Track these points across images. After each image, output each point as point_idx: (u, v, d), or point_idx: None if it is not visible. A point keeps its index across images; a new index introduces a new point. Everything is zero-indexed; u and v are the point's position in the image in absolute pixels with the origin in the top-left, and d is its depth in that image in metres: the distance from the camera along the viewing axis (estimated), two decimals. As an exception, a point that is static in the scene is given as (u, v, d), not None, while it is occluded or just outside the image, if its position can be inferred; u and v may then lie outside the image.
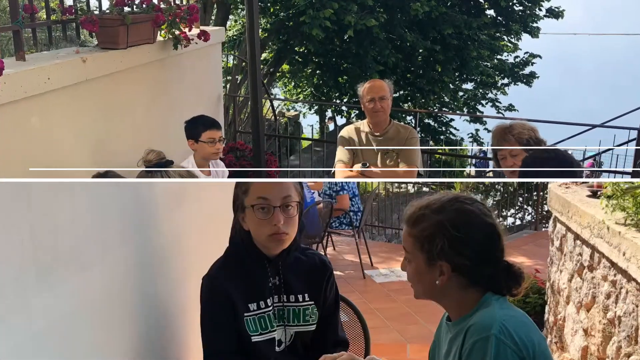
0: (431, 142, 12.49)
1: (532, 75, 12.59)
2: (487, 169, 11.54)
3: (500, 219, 8.63)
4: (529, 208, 9.21)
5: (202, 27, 4.10)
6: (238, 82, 9.36)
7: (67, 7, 3.00)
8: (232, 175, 3.64)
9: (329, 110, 14.36)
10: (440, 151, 10.56)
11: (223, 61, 6.42)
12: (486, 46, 10.88)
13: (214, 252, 1.95)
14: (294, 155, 8.55)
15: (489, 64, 11.82)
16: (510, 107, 12.70)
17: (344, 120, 13.29)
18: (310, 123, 12.85)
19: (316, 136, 11.17)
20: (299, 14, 9.02)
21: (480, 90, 12.75)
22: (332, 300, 1.98)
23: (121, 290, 1.73)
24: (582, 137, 5.98)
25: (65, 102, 2.78)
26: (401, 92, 11.95)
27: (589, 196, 2.95)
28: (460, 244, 1.37)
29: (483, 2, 11.04)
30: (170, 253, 2.13)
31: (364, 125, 3.63)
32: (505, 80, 12.75)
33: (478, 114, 12.70)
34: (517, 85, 12.70)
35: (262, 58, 10.22)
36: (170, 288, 2.12)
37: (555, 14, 11.42)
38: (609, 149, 6.24)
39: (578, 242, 2.87)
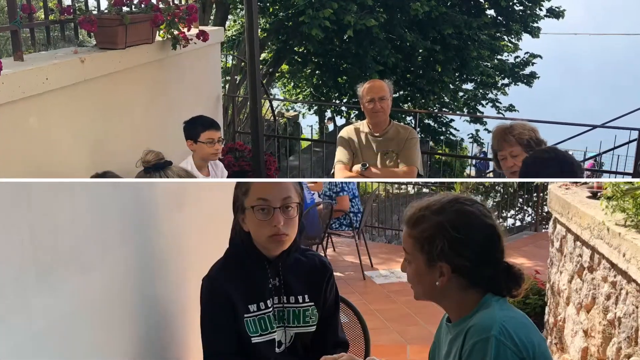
0: (431, 143, 12.49)
1: (533, 75, 12.60)
2: (488, 170, 11.56)
3: (500, 220, 8.63)
4: (529, 209, 9.21)
5: (201, 27, 4.10)
6: (237, 82, 9.35)
7: (66, 7, 2.99)
8: (231, 176, 3.64)
9: (329, 111, 14.36)
10: (440, 151, 10.55)
11: (222, 61, 6.42)
12: (486, 46, 10.88)
13: (214, 253, 1.95)
14: (293, 156, 8.55)
15: (489, 64, 11.83)
16: (511, 108, 12.70)
17: (343, 121, 13.29)
18: (309, 123, 12.85)
19: (315, 137, 11.16)
20: (298, 13, 9.02)
21: (481, 91, 12.75)
22: (332, 301, 1.97)
23: (121, 290, 1.73)
24: (582, 138, 5.97)
25: (63, 103, 2.77)
26: (401, 92, 11.95)
27: (589, 197, 2.95)
28: (460, 245, 1.37)
29: (483, 2, 11.04)
30: (170, 254, 2.13)
31: (363, 125, 3.63)
32: (506, 81, 12.76)
33: (478, 114, 12.71)
34: (518, 85, 12.71)
35: (261, 58, 10.20)
36: (170, 289, 2.12)
37: (555, 13, 11.42)
38: (610, 150, 6.23)
39: (578, 243, 2.87)
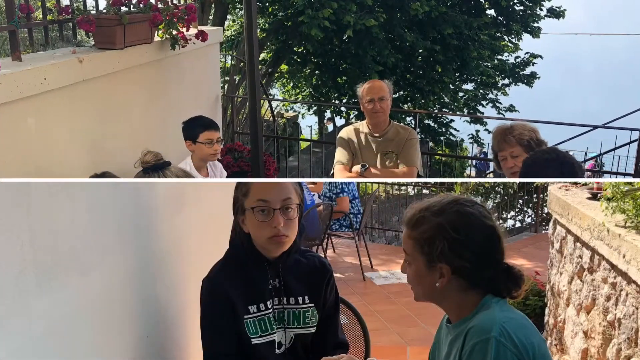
0: (431, 143, 12.49)
1: (533, 75, 12.61)
2: (488, 171, 11.55)
3: (500, 221, 8.62)
4: (529, 210, 9.21)
5: (199, 27, 4.09)
6: (236, 82, 9.34)
7: (64, 6, 2.98)
8: (230, 176, 3.63)
9: (328, 111, 14.36)
10: (440, 152, 10.55)
11: (221, 61, 6.42)
12: (487, 46, 10.88)
13: (214, 254, 1.94)
14: (292, 157, 8.54)
15: (489, 64, 11.83)
16: (511, 108, 12.71)
17: (343, 121, 13.30)
18: (309, 124, 12.85)
19: (315, 137, 11.18)
20: (297, 13, 9.01)
21: (481, 91, 12.76)
22: (332, 302, 1.97)
23: (121, 292, 1.73)
24: (583, 138, 5.97)
25: (61, 103, 2.77)
26: (401, 92, 11.95)
27: (589, 198, 2.94)
28: (460, 246, 1.37)
29: (483, 1, 11.03)
30: (170, 255, 2.12)
31: (363, 126, 3.62)
32: (506, 81, 12.77)
33: (478, 114, 12.71)
34: (518, 85, 12.72)
35: (260, 58, 10.20)
36: (170, 290, 2.11)
37: (556, 13, 11.43)
38: (611, 150, 6.23)
39: (578, 244, 2.86)
